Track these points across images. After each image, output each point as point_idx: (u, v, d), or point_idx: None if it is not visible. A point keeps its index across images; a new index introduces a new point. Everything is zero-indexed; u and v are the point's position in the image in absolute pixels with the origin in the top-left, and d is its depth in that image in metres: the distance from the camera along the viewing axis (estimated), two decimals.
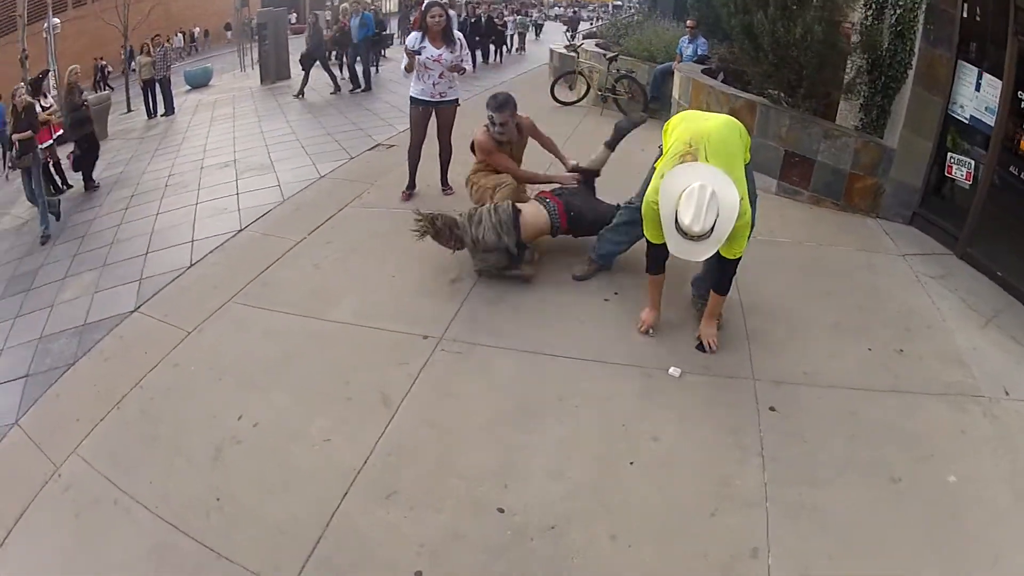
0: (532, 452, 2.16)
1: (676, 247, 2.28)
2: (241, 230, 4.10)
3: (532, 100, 7.78)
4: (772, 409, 2.33)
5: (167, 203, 5.16)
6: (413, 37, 4.06)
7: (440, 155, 4.38)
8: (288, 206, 4.47)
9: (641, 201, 2.61)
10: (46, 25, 11.09)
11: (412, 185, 4.39)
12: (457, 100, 4.25)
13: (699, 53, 6.63)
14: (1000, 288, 3.16)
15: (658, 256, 2.58)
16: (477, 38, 11.71)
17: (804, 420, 2.29)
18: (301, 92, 9.22)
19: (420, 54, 3.96)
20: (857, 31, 4.21)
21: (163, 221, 4.72)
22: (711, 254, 2.28)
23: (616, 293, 3.04)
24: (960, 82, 3.46)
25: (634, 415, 2.30)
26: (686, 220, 2.16)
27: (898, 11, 3.84)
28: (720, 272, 2.53)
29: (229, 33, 24.36)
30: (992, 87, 3.24)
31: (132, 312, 3.29)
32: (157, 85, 10.19)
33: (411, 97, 4.18)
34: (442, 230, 3.08)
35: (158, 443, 2.34)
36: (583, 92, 7.58)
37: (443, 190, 4.45)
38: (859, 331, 2.80)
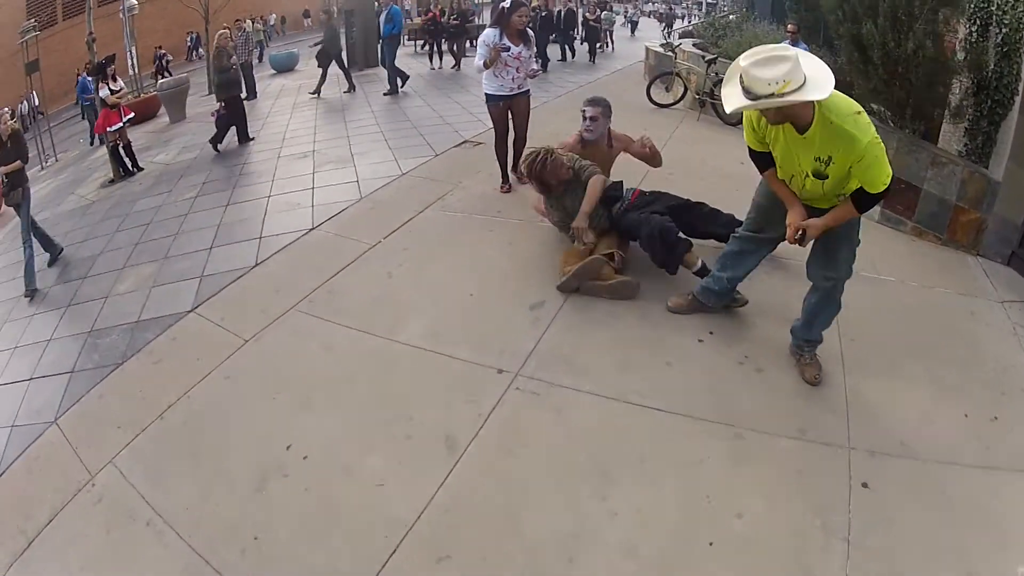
0: (606, 521, 1.93)
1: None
2: (313, 228, 4.00)
3: (627, 99, 7.52)
4: (864, 486, 2.05)
5: (238, 193, 5.14)
6: (492, 33, 4.03)
7: (514, 144, 4.43)
8: (365, 204, 4.35)
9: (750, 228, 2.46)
10: (123, 5, 11.34)
11: (506, 177, 4.46)
12: (529, 91, 4.32)
13: None
14: None
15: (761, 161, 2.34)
16: (552, 35, 11.36)
17: (895, 498, 2.01)
18: (318, 91, 9.11)
19: (507, 50, 3.99)
20: (962, 47, 3.80)
21: (232, 214, 4.68)
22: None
23: (711, 333, 2.73)
24: None
25: (720, 486, 2.03)
26: (744, 63, 1.92)
27: (1004, 29, 3.45)
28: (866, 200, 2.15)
29: (307, 20, 24.96)
30: None
31: (189, 312, 3.24)
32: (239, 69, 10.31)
33: (488, 95, 4.21)
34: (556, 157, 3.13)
35: (200, 463, 2.25)
36: (680, 94, 7.22)
37: (518, 178, 4.40)
38: (957, 392, 2.49)
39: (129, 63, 10.81)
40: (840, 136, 1.99)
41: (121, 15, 11.46)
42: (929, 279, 3.31)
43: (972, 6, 3.75)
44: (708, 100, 6.70)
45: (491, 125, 4.42)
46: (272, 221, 4.29)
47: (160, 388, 2.64)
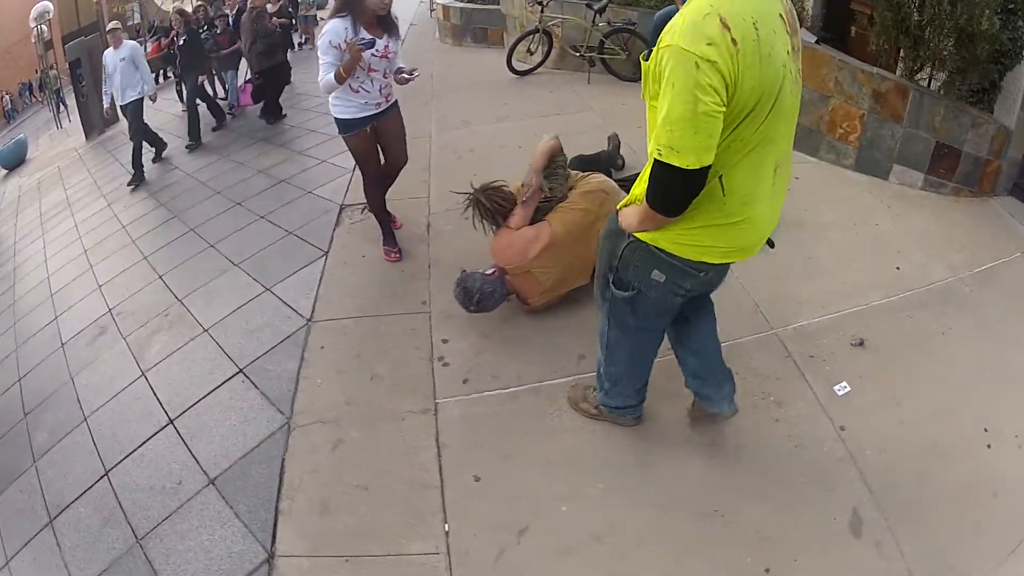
0: None
1: None
2: None
3: (472, 74, 6.25)
4: None
5: None
6: (339, 27, 2.79)
7: (391, 181, 3.46)
8: None
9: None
10: None
11: (392, 237, 3.51)
12: (398, 101, 3.24)
13: None
14: None
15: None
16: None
17: None
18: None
19: (371, 48, 2.79)
20: None
21: None
22: None
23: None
24: None
25: None
26: None
27: None
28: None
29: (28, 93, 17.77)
30: None
31: None
32: None
33: (343, 121, 3.04)
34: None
35: None
36: (545, 53, 6.19)
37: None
38: None
39: None
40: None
41: None
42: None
43: None
44: (597, 57, 5.87)
45: (353, 165, 3.34)
46: None
47: None
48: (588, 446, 2.36)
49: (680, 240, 1.59)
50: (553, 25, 6.08)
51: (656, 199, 1.45)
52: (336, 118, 3.08)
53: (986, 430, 2.32)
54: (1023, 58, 3.25)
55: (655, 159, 1.37)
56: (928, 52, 3.28)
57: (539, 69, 6.39)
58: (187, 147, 6.76)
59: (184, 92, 7.53)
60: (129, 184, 6.17)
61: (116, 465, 2.66)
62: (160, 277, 4.14)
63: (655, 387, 2.31)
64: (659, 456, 2.31)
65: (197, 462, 2.56)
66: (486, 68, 6.94)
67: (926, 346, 2.65)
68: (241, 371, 2.99)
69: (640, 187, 1.59)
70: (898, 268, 3.02)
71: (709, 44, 1.26)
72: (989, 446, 2.28)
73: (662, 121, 1.31)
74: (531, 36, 6.20)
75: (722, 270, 1.76)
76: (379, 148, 3.28)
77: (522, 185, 2.82)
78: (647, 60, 1.42)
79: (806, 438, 2.34)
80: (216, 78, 8.30)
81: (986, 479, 2.17)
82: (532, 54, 6.30)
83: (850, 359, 2.62)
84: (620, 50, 5.74)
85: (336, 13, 2.88)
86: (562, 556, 2.02)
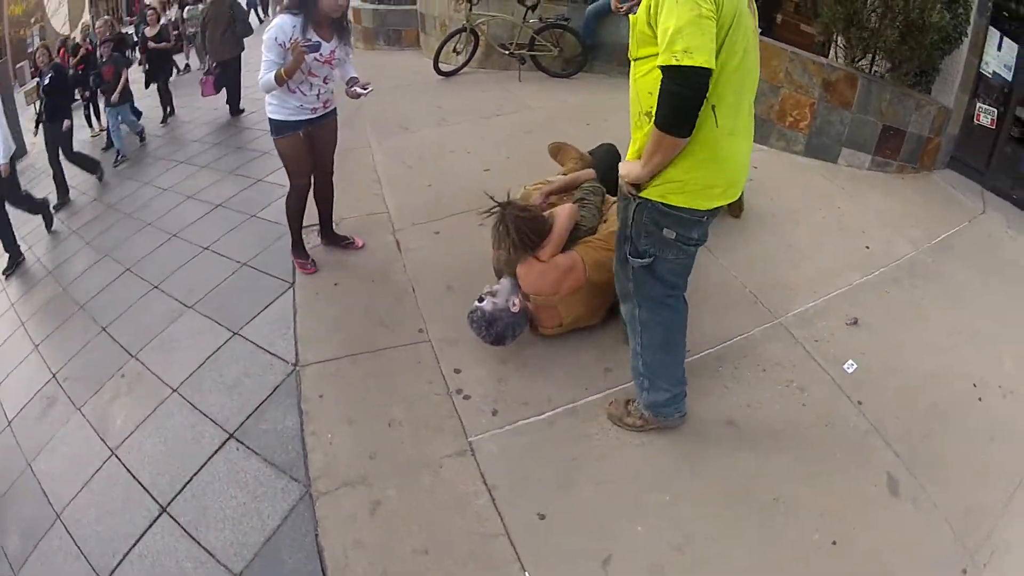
0: None
1: None
2: None
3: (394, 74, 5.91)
4: None
5: None
6: (287, 25, 2.66)
7: (319, 194, 3.28)
8: None
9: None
10: None
11: (303, 249, 3.33)
12: (336, 109, 3.11)
13: None
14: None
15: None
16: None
17: None
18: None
19: (316, 51, 2.71)
20: None
21: None
22: None
23: None
24: (989, 44, 3.68)
25: None
26: None
27: None
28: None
29: None
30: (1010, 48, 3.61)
31: None
32: None
33: (277, 123, 2.90)
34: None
35: None
36: (470, 52, 6.00)
37: (342, 243, 3.44)
38: None
39: None
40: None
41: None
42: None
43: None
44: (528, 54, 5.82)
45: (284, 179, 3.13)
46: None
47: None
48: (642, 460, 2.35)
49: (684, 188, 1.81)
50: (481, 23, 5.92)
51: (668, 115, 1.64)
52: (269, 118, 2.92)
53: (975, 385, 2.59)
54: (962, 43, 3.65)
55: (671, 66, 1.55)
56: (880, 42, 3.56)
57: (465, 69, 6.23)
58: (54, 208, 5.67)
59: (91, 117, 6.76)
60: (4, 272, 4.89)
61: (114, 572, 2.25)
62: (104, 329, 3.56)
63: (689, 389, 2.36)
64: (709, 457, 2.35)
65: (213, 557, 2.22)
66: (408, 70, 6.65)
67: (907, 318, 2.90)
68: (232, 436, 2.64)
69: (635, 146, 1.87)
70: (867, 247, 3.29)
71: None
72: (980, 399, 2.55)
73: (673, 32, 1.53)
74: (458, 35, 6.00)
75: (713, 214, 1.95)
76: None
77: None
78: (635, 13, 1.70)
79: (833, 417, 2.48)
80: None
81: (983, 428, 2.44)
82: (458, 54, 6.11)
83: (848, 338, 2.81)
84: (552, 46, 5.72)
85: (289, 8, 2.70)
86: (652, 574, 2.00)
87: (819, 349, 2.76)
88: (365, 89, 2.90)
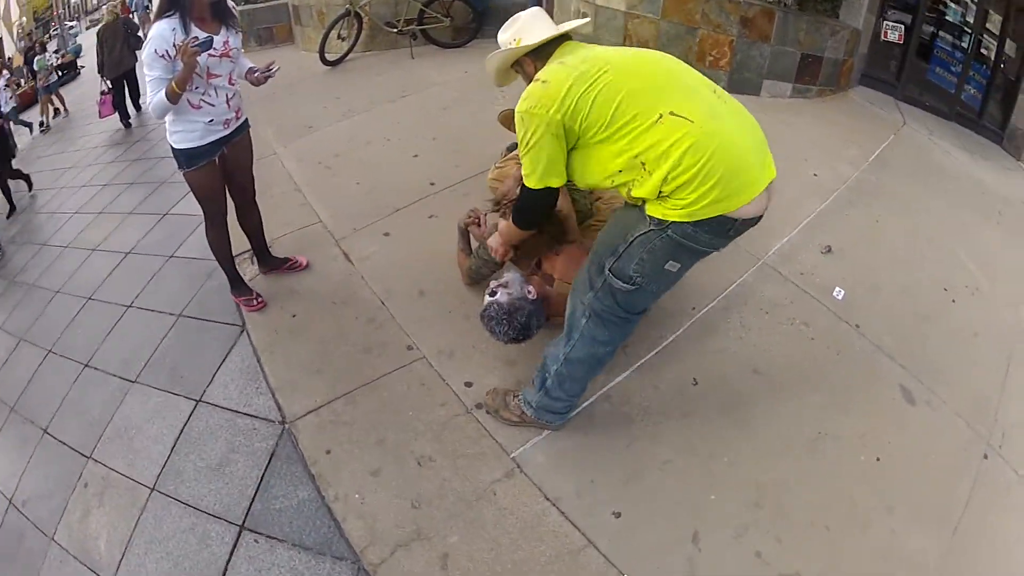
0: None
1: None
2: None
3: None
4: None
5: None
6: (165, 32, 2.20)
7: (244, 221, 2.91)
8: None
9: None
10: None
11: (244, 285, 2.92)
12: (248, 120, 2.67)
13: None
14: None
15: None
16: None
17: None
18: None
19: (209, 48, 2.25)
20: None
21: None
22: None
23: None
24: None
25: None
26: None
27: None
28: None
29: None
30: None
31: None
32: None
33: (182, 152, 2.42)
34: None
35: None
36: (354, 36, 5.53)
37: (283, 266, 3.06)
38: None
39: None
40: None
41: None
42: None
43: None
44: (418, 28, 5.44)
45: (193, 207, 2.72)
46: None
47: None
48: (691, 431, 2.32)
49: (705, 199, 1.56)
50: (364, 4, 5.42)
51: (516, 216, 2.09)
52: (175, 149, 2.43)
53: (945, 289, 2.83)
54: None
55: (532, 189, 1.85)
56: None
57: (350, 55, 5.73)
58: None
59: None
60: None
61: None
62: (45, 431, 2.89)
63: (708, 348, 2.37)
64: (749, 410, 2.38)
65: None
66: (291, 66, 5.96)
67: (872, 237, 3.10)
68: (243, 528, 2.24)
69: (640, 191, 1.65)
70: (815, 175, 3.45)
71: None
72: (954, 301, 2.80)
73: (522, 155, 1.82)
74: (342, 20, 5.47)
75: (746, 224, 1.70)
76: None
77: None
78: None
79: (840, 344, 2.61)
80: None
81: (964, 326, 2.68)
82: (343, 40, 5.58)
83: (828, 265, 2.96)
84: (443, 16, 5.39)
85: (161, 14, 2.23)
86: (741, 536, 2.01)
87: (807, 282, 2.87)
88: (270, 71, 2.48)
